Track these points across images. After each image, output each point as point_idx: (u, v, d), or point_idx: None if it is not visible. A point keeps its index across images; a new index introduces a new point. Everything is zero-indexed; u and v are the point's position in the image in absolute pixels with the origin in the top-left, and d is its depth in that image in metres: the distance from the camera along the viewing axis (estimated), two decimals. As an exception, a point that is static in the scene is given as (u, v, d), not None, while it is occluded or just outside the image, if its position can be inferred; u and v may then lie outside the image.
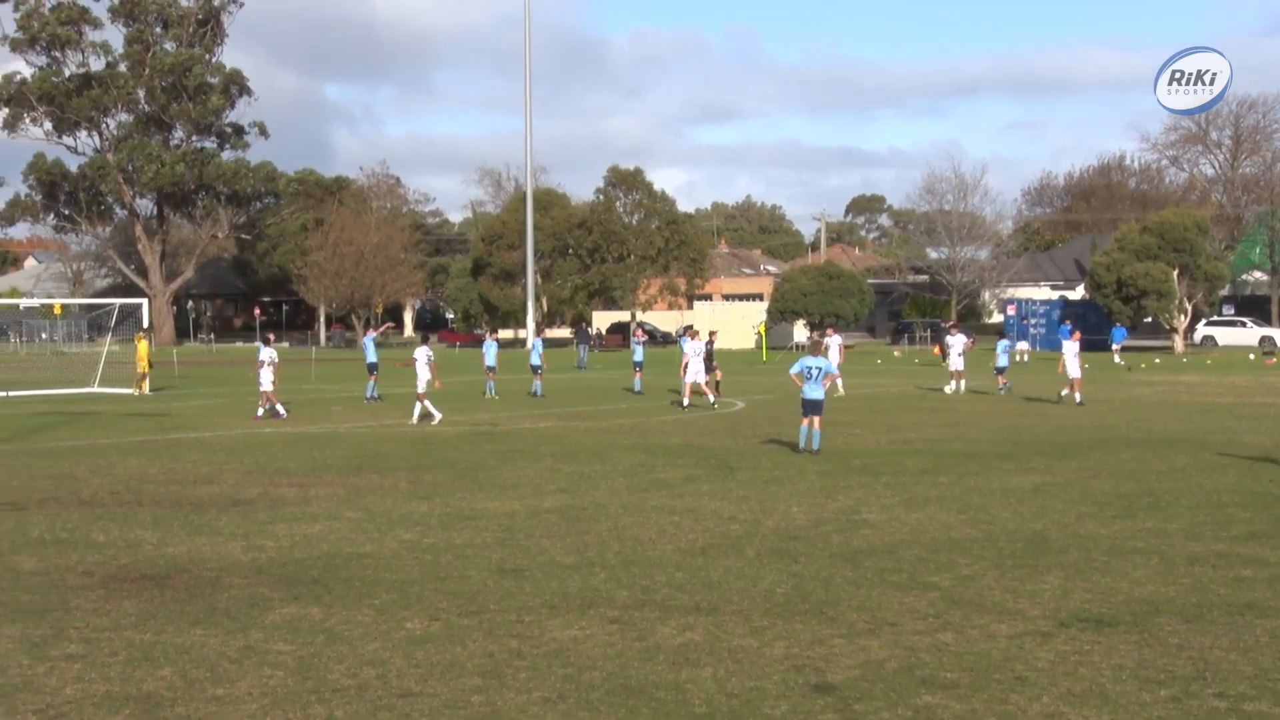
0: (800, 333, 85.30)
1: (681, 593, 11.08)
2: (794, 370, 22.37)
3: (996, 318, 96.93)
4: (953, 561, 12.33)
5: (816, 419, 21.81)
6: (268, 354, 30.61)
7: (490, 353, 37.72)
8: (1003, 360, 37.86)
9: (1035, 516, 15.01)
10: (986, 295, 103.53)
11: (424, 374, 28.54)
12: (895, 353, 74.60)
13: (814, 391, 21.87)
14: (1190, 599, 10.69)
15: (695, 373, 33.01)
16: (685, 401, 32.97)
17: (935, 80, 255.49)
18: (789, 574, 11.81)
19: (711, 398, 33.75)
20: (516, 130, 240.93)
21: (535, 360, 38.29)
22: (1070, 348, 32.91)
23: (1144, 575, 11.64)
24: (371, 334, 39.19)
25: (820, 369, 22.16)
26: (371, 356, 37.11)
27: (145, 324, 43.87)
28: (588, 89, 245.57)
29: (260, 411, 30.24)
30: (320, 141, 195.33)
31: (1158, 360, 60.82)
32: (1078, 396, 32.70)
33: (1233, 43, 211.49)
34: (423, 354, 29.14)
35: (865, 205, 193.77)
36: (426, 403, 28.43)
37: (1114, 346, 61.59)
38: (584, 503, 16.35)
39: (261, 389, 30.40)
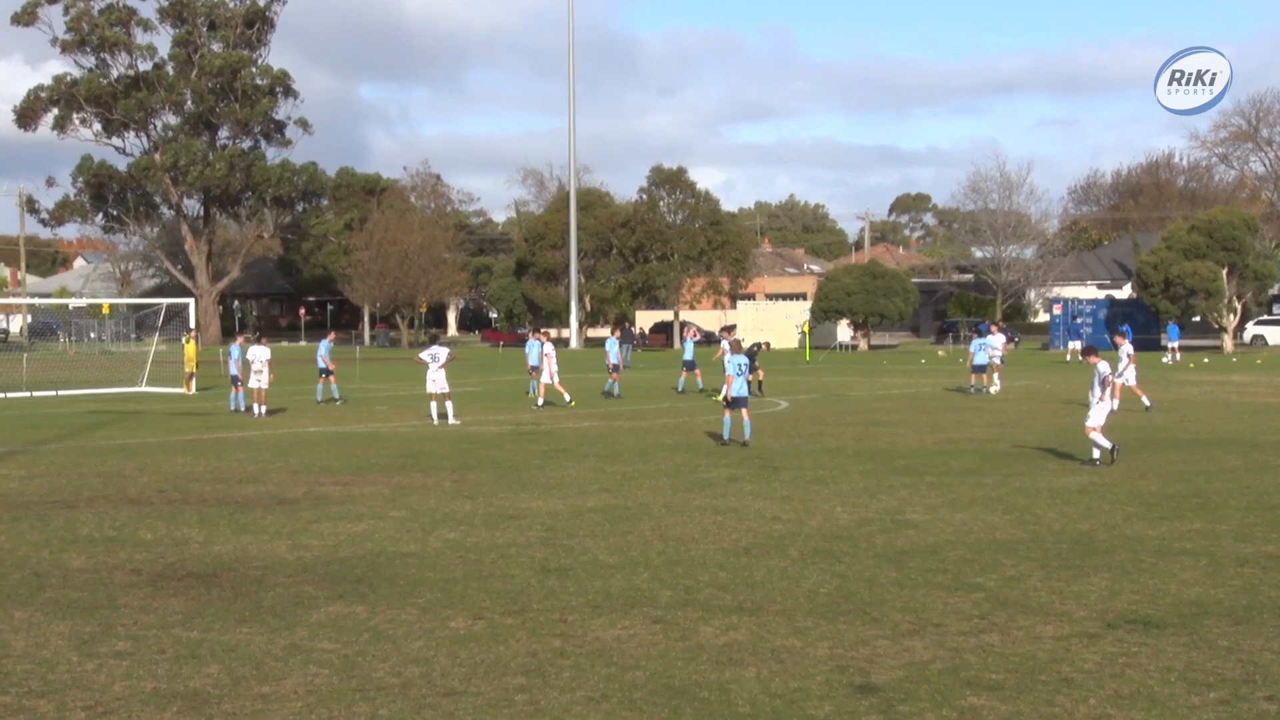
0: (844, 332, 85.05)
1: (725, 593, 11.07)
2: (729, 371, 23.67)
3: (1042, 317, 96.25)
4: (998, 562, 12.25)
5: (744, 410, 23.30)
6: (262, 352, 31.12)
7: (534, 352, 37.71)
8: (980, 359, 37.28)
9: (1082, 517, 14.90)
10: (1032, 294, 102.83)
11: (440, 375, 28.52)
12: (940, 352, 74.22)
13: (741, 388, 23.41)
14: (1240, 601, 10.59)
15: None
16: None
17: (973, 78, 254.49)
18: (833, 574, 11.77)
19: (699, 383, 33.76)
20: (551, 129, 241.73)
21: (612, 359, 38.21)
22: (1124, 349, 31.64)
23: (1192, 577, 11.53)
24: (328, 339, 38.27)
25: (745, 364, 23.98)
26: (322, 362, 36.10)
27: (192, 325, 44.23)
28: (623, 88, 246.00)
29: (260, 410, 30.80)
30: (356, 141, 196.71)
31: (1206, 360, 60.23)
32: (1146, 400, 30.87)
33: (1273, 41, 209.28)
34: (443, 354, 29.07)
35: (909, 204, 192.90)
36: (449, 404, 28.53)
37: (1171, 345, 61.04)
38: (627, 502, 16.35)
39: (263, 387, 30.93)
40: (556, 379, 33.15)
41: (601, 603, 10.71)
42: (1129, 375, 30.73)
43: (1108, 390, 20.41)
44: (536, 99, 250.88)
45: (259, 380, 30.98)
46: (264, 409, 30.80)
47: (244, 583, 11.63)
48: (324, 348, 36.20)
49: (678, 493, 17.19)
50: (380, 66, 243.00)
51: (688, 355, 39.82)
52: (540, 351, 37.14)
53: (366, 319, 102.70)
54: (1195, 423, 27.41)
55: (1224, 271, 69.77)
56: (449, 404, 28.47)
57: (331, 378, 35.45)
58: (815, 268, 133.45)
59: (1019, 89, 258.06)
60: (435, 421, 28.10)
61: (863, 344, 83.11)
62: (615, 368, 37.92)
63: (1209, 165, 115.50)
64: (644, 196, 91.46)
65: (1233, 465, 19.75)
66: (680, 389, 38.52)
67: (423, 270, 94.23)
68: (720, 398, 30.54)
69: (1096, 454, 19.99)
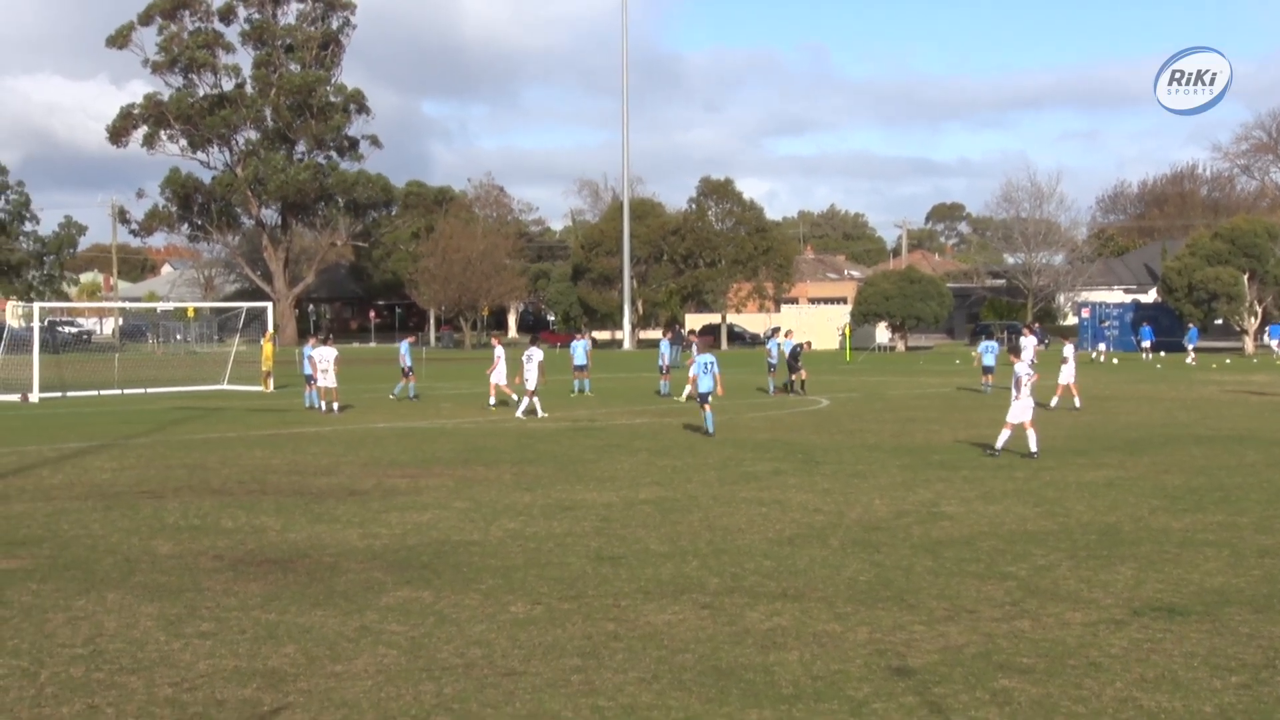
0: (883, 334, 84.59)
1: (769, 580, 11.04)
2: (694, 371, 24.96)
3: (1071, 320, 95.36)
4: (1029, 552, 12.15)
5: (707, 405, 24.40)
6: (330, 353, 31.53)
7: (579, 351, 37.64)
8: (988, 360, 36.89)
9: (1108, 510, 14.75)
10: (1061, 299, 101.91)
11: (533, 373, 28.77)
12: (973, 353, 73.70)
13: (706, 385, 24.43)
14: (1260, 590, 10.45)
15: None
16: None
17: (1001, 93, 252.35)
18: (871, 563, 11.71)
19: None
20: (603, 143, 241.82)
21: (664, 360, 38.11)
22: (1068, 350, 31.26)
23: (1215, 567, 11.39)
24: (408, 340, 38.66)
25: (713, 362, 24.95)
26: (408, 360, 36.33)
27: (270, 327, 44.60)
28: (668, 103, 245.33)
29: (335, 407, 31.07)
30: (420, 155, 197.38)
31: (1228, 361, 59.47)
32: (1068, 400, 30.43)
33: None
34: (536, 354, 29.30)
35: (945, 213, 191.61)
36: (535, 399, 28.97)
37: (1189, 347, 60.43)
38: (677, 494, 16.34)
39: (330, 385, 31.20)
40: (503, 380, 32.48)
41: (653, 589, 10.71)
42: (1067, 373, 30.56)
43: (1024, 388, 20.40)
44: (588, 114, 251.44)
45: (326, 379, 31.25)
46: (336, 405, 31.02)
47: (318, 569, 11.71)
48: (405, 348, 36.46)
49: (724, 485, 17.16)
50: (441, 85, 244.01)
51: (771, 359, 39.30)
52: (583, 349, 37.05)
53: (432, 321, 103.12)
54: (1217, 420, 27.06)
55: (1245, 277, 69.00)
56: (536, 400, 29.02)
57: (411, 376, 35.66)
58: (855, 273, 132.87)
59: (1045, 103, 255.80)
60: (521, 414, 28.71)
61: (900, 345, 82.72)
62: (666, 368, 37.91)
63: (1231, 176, 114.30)
64: (693, 206, 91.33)
65: (1253, 460, 19.49)
66: (771, 391, 37.68)
67: (485, 276, 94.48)
68: (684, 397, 30.65)
69: (1000, 444, 20.39)
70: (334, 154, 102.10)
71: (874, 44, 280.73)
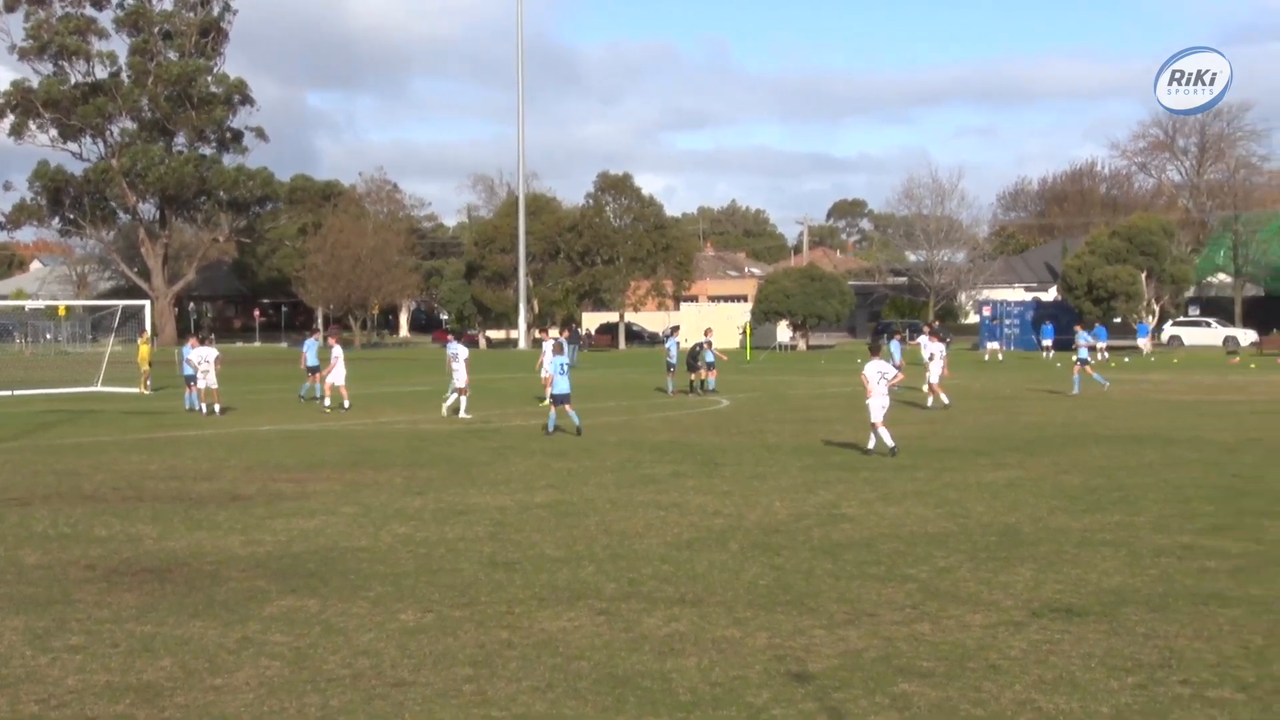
0: (784, 333, 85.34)
1: (667, 585, 11.07)
2: (551, 371, 25.77)
3: (973, 318, 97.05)
4: (929, 554, 12.33)
5: (568, 406, 25.03)
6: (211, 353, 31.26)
7: (311, 352, 36.38)
8: (897, 358, 37.63)
9: (1009, 510, 15.02)
10: (963, 297, 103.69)
11: (461, 371, 29.22)
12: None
13: (562, 386, 25.17)
14: (1157, 589, 10.71)
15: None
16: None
17: (903, 89, 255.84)
18: (771, 567, 11.80)
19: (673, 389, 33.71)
20: (497, 136, 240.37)
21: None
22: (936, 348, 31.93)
23: (1113, 567, 11.65)
24: (313, 338, 38.38)
25: (566, 364, 25.64)
26: (312, 360, 35.90)
27: (147, 326, 43.76)
28: (564, 97, 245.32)
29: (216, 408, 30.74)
30: (305, 148, 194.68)
31: (1126, 359, 60.98)
32: (944, 399, 30.98)
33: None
34: (462, 352, 29.73)
35: (846, 209, 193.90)
36: (464, 399, 29.35)
37: (1099, 345, 61.80)
38: (573, 498, 16.32)
39: (211, 386, 30.87)
40: (341, 381, 32.25)
41: (548, 595, 10.68)
42: (934, 371, 31.31)
43: (879, 386, 20.94)
44: (482, 107, 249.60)
45: (206, 380, 30.78)
46: (217, 407, 30.54)
47: (197, 578, 11.51)
48: (310, 347, 35.99)
49: (622, 488, 17.18)
50: (327, 75, 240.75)
51: (671, 358, 39.35)
52: (314, 350, 36.60)
53: (320, 321, 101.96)
54: (1116, 419, 27.71)
55: (1143, 275, 70.75)
56: (464, 399, 29.48)
57: (317, 375, 35.24)
58: (756, 271, 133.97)
59: (945, 99, 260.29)
60: (446, 412, 29.44)
61: (801, 344, 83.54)
62: (564, 368, 37.74)
63: (1129, 173, 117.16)
64: (590, 202, 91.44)
65: (1151, 460, 19.99)
66: (670, 390, 37.79)
67: (375, 273, 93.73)
68: (545, 402, 30.86)
69: (872, 444, 20.88)
70: (216, 146, 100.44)
71: (774, 38, 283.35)
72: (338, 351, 32.20)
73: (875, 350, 22.17)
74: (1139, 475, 18.11)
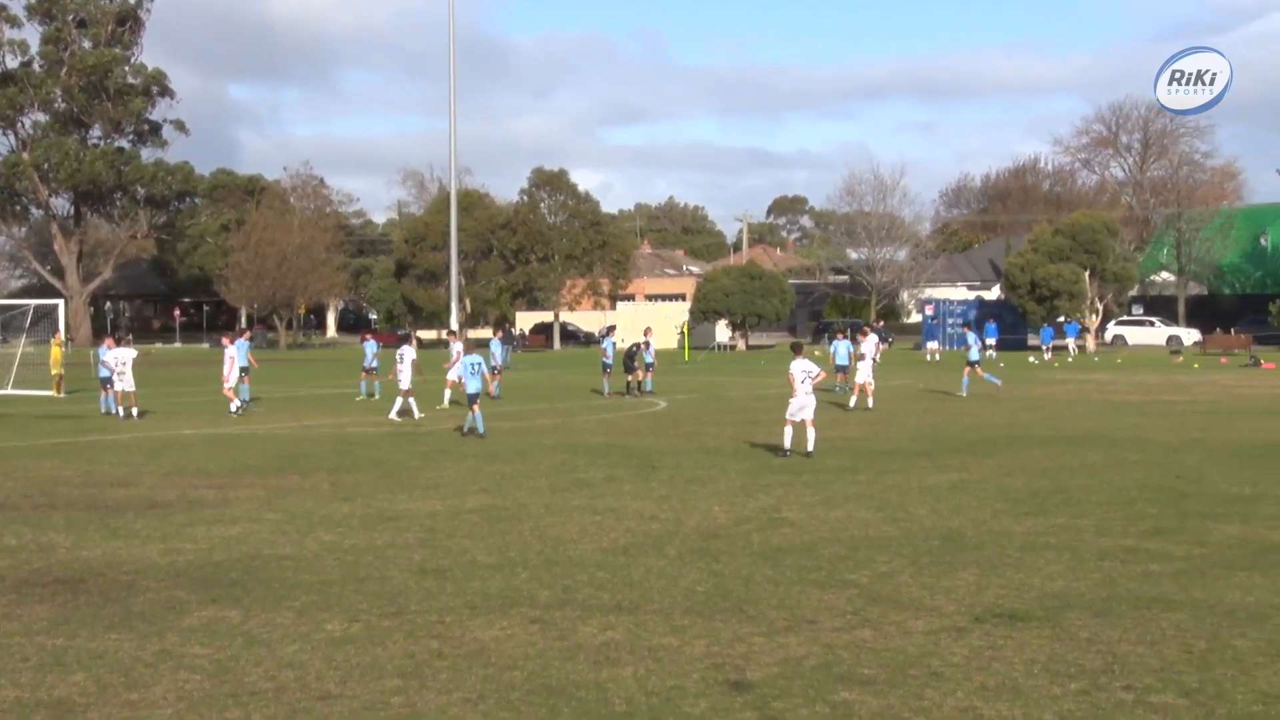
0: (723, 332, 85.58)
1: (603, 592, 11.05)
2: (461, 372, 25.93)
3: (915, 317, 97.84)
4: (871, 559, 12.40)
5: (475, 405, 25.18)
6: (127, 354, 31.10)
7: (243, 352, 36.41)
8: (842, 359, 37.80)
9: (951, 514, 15.15)
10: (905, 295, 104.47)
11: (407, 372, 29.27)
12: (815, 352, 75.05)
13: (474, 386, 25.32)
14: (1100, 594, 10.84)
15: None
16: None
17: (842, 82, 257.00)
18: (710, 572, 11.82)
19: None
20: (426, 130, 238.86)
21: (491, 361, 38.01)
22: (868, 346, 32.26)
23: (1056, 571, 11.78)
24: (244, 338, 38.06)
25: (480, 364, 25.80)
26: (243, 360, 35.57)
27: (60, 326, 43.10)
28: (497, 90, 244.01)
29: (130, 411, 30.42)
30: (227, 142, 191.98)
31: (1070, 359, 61.70)
32: (862, 401, 31.29)
33: (1131, 49, 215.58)
34: (409, 353, 29.82)
35: (786, 206, 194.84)
36: (411, 400, 29.32)
37: (1044, 345, 62.55)
38: (506, 503, 16.28)
39: (129, 389, 30.60)
40: (231, 384, 31.97)
41: (479, 603, 10.64)
42: (863, 370, 31.62)
43: (804, 385, 21.22)
44: (411, 100, 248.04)
45: (123, 382, 30.39)
46: (135, 411, 30.15)
47: (113, 588, 11.35)
48: (243, 347, 35.67)
49: (556, 493, 17.15)
50: (250, 66, 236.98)
51: (607, 359, 39.33)
52: (374, 354, 36.59)
53: (244, 320, 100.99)
54: (1059, 420, 28.04)
55: (1086, 274, 71.56)
56: (412, 400, 29.50)
57: (246, 376, 34.92)
58: (694, 269, 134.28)
59: (886, 93, 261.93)
60: (395, 416, 29.35)
61: (741, 344, 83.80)
62: (497, 369, 37.80)
63: (1072, 170, 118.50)
64: (525, 198, 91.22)
65: (1094, 461, 20.24)
66: (606, 392, 37.80)
67: (301, 271, 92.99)
68: (444, 405, 30.86)
69: (811, 446, 21.10)
70: (133, 140, 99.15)
71: (710, 30, 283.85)
72: (230, 352, 31.77)
73: (798, 350, 22.43)
74: (1082, 477, 18.33)
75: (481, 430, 24.93)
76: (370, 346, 37.46)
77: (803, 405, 21.22)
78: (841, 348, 37.36)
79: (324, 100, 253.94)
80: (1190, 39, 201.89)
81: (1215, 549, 12.79)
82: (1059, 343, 67.44)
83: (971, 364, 36.78)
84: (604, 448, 22.84)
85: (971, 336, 38.82)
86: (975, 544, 13.14)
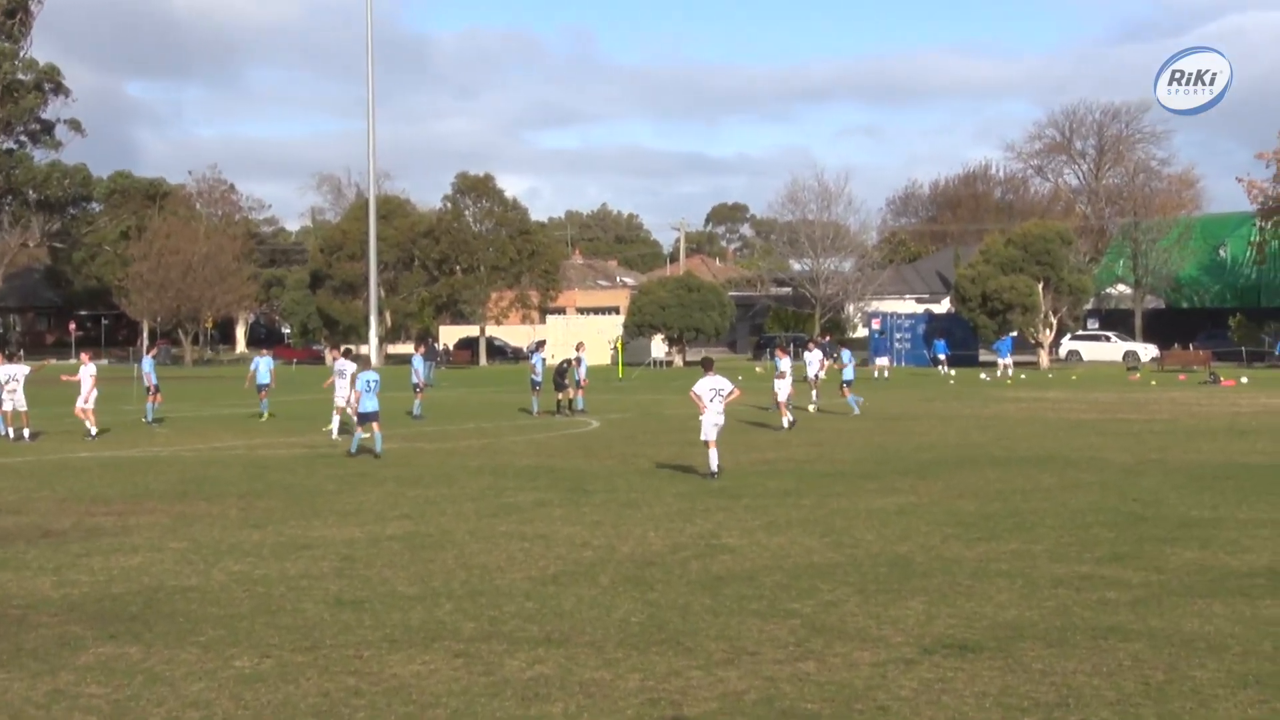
0: (659, 347, 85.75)
1: (531, 624, 11.04)
2: (358, 386, 25.70)
3: (861, 332, 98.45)
4: (815, 587, 12.47)
5: (375, 424, 25.30)
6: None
7: (263, 369, 36.27)
8: (814, 369, 38.52)
9: (899, 539, 15.26)
10: (851, 308, 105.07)
11: (344, 388, 29.00)
12: (758, 368, 75.39)
13: (369, 404, 25.28)
14: (1054, 623, 10.95)
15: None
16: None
17: (783, 85, 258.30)
18: (645, 602, 11.83)
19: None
20: (342, 132, 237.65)
21: (414, 378, 37.86)
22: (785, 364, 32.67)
23: (1008, 599, 11.90)
24: (150, 355, 37.80)
25: (376, 380, 25.78)
26: (153, 378, 35.24)
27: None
28: (418, 89, 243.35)
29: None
30: (127, 143, 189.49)
31: (1023, 376, 62.36)
32: (786, 420, 31.48)
33: (1083, 51, 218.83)
34: (348, 368, 29.49)
35: (726, 214, 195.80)
36: (337, 417, 29.43)
37: (1002, 361, 62.96)
38: (429, 529, 16.21)
39: (20, 408, 30.22)
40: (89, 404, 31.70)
41: (400, 637, 10.59)
42: (782, 389, 31.80)
43: (714, 404, 21.43)
44: (326, 100, 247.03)
45: (14, 401, 29.99)
46: (26, 432, 29.76)
47: (2, 624, 11.19)
48: (148, 364, 35.28)
49: (482, 518, 17.11)
50: (150, 63, 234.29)
51: (536, 375, 39.21)
52: (268, 369, 36.18)
53: (146, 335, 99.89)
54: (1012, 440, 28.33)
55: (1040, 286, 72.31)
56: (341, 417, 29.52)
57: (158, 395, 34.51)
58: (628, 280, 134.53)
59: (829, 95, 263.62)
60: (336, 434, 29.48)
61: (678, 360, 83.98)
62: (419, 386, 37.64)
63: (1025, 177, 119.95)
64: (448, 205, 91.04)
65: (1048, 484, 20.46)
66: (535, 411, 37.71)
67: (208, 282, 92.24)
68: (328, 427, 30.90)
69: (714, 465, 21.30)
70: (24, 140, 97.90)
71: (644, 28, 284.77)
72: (90, 370, 31.22)
73: (708, 366, 22.56)
74: (1036, 500, 18.53)
75: (379, 451, 24.93)
76: (263, 363, 36.68)
77: (714, 424, 21.36)
78: (813, 358, 37.88)
79: (231, 99, 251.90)
80: (1146, 41, 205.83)
81: (1173, 575, 12.96)
82: (1028, 359, 67.77)
83: (847, 383, 37.55)
84: (533, 470, 22.82)
85: (847, 354, 39.90)
86: (924, 571, 13.24)
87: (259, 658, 9.98)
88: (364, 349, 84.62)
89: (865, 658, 9.87)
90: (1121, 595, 12.02)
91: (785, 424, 31.14)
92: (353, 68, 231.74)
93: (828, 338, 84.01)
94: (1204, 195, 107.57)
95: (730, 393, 21.76)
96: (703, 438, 21.44)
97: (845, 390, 37.65)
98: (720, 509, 17.78)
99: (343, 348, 37.83)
